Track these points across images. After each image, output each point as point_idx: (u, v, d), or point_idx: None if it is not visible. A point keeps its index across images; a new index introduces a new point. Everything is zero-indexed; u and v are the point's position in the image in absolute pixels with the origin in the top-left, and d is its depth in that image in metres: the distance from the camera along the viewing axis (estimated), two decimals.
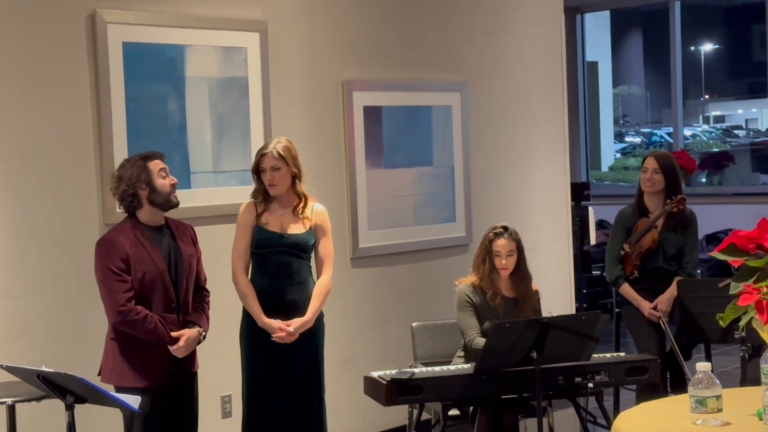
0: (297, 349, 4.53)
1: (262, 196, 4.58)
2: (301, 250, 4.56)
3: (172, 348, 4.20)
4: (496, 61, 6.73)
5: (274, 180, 4.50)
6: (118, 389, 4.11)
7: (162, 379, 4.20)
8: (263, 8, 5.55)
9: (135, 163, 4.23)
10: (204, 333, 4.36)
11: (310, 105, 5.77)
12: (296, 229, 4.57)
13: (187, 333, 4.26)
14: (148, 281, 4.17)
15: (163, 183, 4.22)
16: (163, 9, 5.15)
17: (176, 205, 4.29)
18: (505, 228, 4.89)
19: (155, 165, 4.23)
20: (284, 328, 4.47)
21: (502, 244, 4.84)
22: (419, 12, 6.30)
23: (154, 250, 4.21)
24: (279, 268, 4.53)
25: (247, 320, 4.58)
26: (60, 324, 4.78)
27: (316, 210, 4.63)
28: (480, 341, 4.75)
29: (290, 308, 4.53)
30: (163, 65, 5.14)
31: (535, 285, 5.01)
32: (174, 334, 4.21)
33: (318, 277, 4.65)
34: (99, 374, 4.26)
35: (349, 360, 5.87)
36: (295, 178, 4.56)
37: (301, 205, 4.59)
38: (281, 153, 4.51)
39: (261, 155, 4.54)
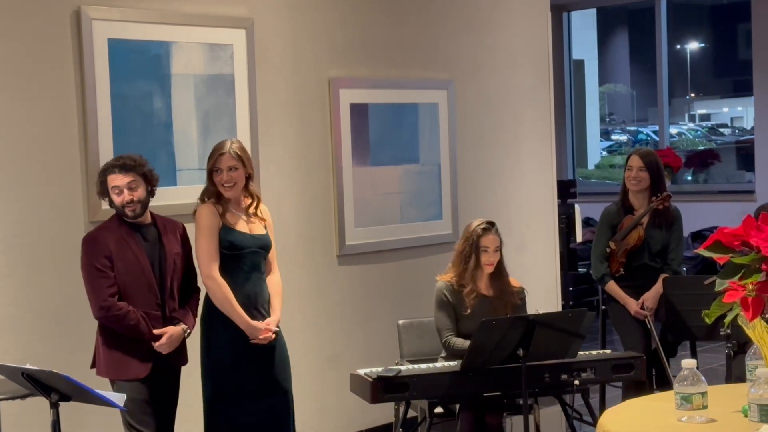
0: (263, 348, 4.51)
1: (216, 198, 4.50)
2: (267, 249, 4.58)
3: (155, 345, 4.25)
4: (482, 58, 6.73)
5: (231, 181, 4.47)
6: (110, 382, 4.24)
7: (146, 372, 4.25)
8: (249, 5, 5.53)
9: (99, 175, 4.32)
10: (189, 331, 4.40)
11: (297, 102, 5.76)
12: (259, 229, 4.57)
13: (171, 330, 4.30)
14: (131, 278, 4.22)
15: (116, 199, 4.27)
16: (149, 5, 5.13)
17: (133, 218, 4.28)
18: (492, 224, 4.89)
19: (111, 180, 4.26)
20: (270, 329, 4.46)
21: (491, 239, 4.83)
22: (406, 10, 6.29)
23: (139, 247, 4.26)
24: (252, 268, 4.52)
25: (217, 322, 4.49)
26: (44, 322, 4.75)
27: (265, 209, 4.67)
28: (455, 341, 4.75)
29: (262, 305, 4.53)
30: (148, 62, 5.12)
31: (518, 282, 4.99)
32: (156, 331, 4.25)
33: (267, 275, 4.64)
34: (92, 366, 4.32)
35: (334, 358, 5.86)
36: (249, 178, 4.56)
37: (254, 204, 4.58)
38: (239, 153, 4.49)
39: (219, 155, 4.47)
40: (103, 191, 4.30)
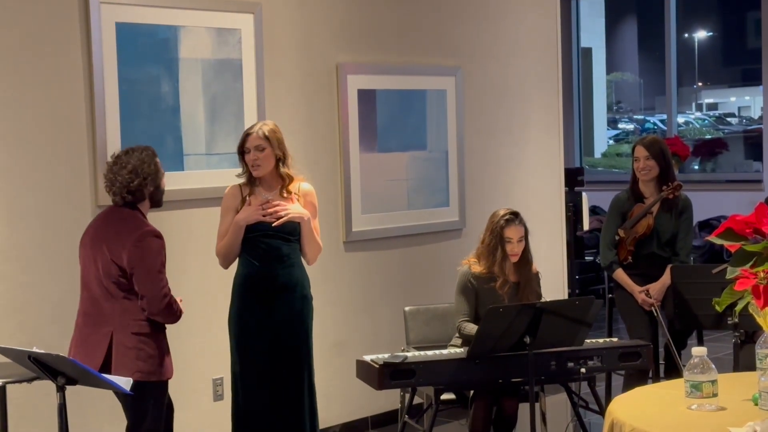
0: (285, 333, 4.50)
1: (247, 179, 4.56)
2: (289, 233, 4.53)
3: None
4: (491, 45, 6.71)
5: (257, 160, 4.48)
6: (162, 383, 4.14)
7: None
8: None
9: (150, 158, 4.13)
10: None
11: (304, 88, 5.74)
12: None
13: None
14: None
15: (164, 183, 4.23)
16: None
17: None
18: (516, 214, 4.87)
19: (161, 165, 4.19)
20: (269, 202, 4.48)
21: (514, 230, 4.83)
22: None
23: None
24: (268, 252, 4.50)
25: (237, 304, 4.55)
26: (51, 305, 4.75)
27: (304, 189, 4.62)
28: (467, 326, 4.75)
29: (280, 291, 4.50)
30: (156, 46, 5.11)
31: (535, 267, 4.99)
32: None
33: None
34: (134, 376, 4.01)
35: (341, 344, 5.86)
36: (279, 161, 4.54)
37: (287, 184, 4.56)
38: (266, 134, 4.49)
39: (246, 135, 4.54)
40: (160, 175, 4.17)
